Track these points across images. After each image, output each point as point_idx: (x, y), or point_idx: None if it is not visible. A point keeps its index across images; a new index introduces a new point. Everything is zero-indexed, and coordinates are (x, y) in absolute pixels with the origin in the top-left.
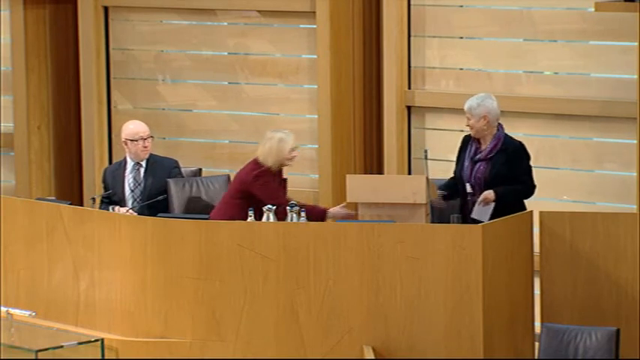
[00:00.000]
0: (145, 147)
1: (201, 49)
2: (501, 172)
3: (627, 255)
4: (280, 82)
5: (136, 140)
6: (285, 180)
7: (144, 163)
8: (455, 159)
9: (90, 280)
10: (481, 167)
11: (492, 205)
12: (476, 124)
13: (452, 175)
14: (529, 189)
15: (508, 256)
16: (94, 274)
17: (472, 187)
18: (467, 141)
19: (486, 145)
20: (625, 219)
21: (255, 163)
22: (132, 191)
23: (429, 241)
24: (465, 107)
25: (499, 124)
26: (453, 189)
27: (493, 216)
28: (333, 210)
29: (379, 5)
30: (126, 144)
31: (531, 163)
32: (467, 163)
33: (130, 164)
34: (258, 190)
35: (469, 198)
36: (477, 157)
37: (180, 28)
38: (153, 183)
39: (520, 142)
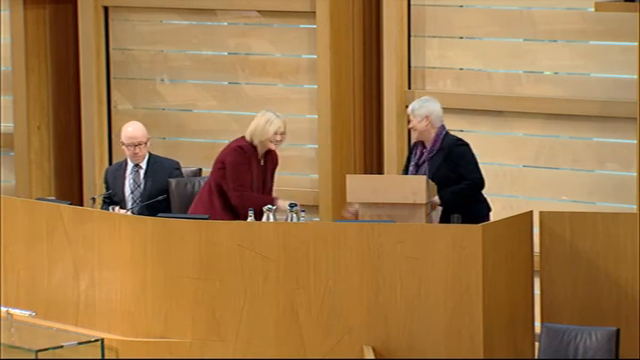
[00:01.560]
0: (136, 153)
1: (201, 49)
2: (441, 171)
3: (627, 255)
4: (280, 82)
5: (129, 145)
6: (273, 165)
7: (144, 165)
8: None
9: (90, 280)
10: (423, 169)
11: (439, 209)
12: (418, 125)
13: None
14: (475, 184)
15: (508, 256)
16: (94, 274)
17: None
18: (414, 147)
19: (421, 145)
20: (625, 219)
21: (242, 139)
22: (132, 192)
23: (429, 241)
24: (408, 110)
25: (442, 125)
26: None
27: (445, 220)
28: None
29: (379, 5)
30: (123, 144)
31: (532, 162)
32: (411, 168)
33: (130, 165)
34: (228, 165)
35: None
36: (421, 159)
37: (180, 28)
38: (153, 184)
39: (457, 138)
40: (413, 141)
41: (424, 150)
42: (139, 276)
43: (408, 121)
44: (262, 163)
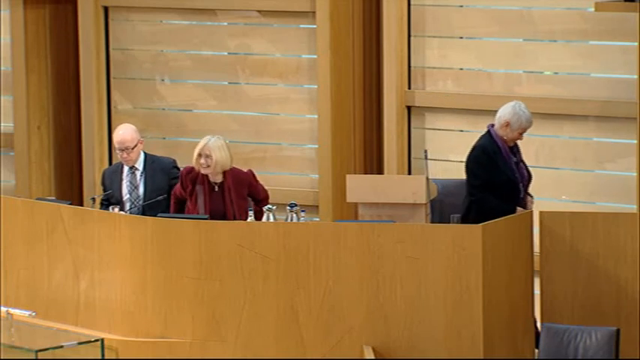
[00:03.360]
0: (124, 157)
1: (202, 49)
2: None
3: (627, 255)
4: (280, 82)
5: (118, 149)
6: (239, 187)
7: (140, 166)
8: (486, 167)
9: (90, 280)
10: (523, 167)
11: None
12: None
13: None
14: None
15: (508, 256)
16: (94, 274)
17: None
18: (494, 150)
19: (508, 149)
20: (625, 219)
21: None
22: (129, 194)
23: (429, 241)
24: (530, 123)
25: None
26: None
27: None
28: None
29: (379, 5)
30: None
31: (532, 162)
32: (513, 166)
33: (126, 167)
34: None
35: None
36: (515, 159)
37: (180, 28)
38: (152, 184)
39: None
40: (482, 147)
41: (507, 152)
42: (139, 276)
43: (521, 133)
44: (217, 189)
